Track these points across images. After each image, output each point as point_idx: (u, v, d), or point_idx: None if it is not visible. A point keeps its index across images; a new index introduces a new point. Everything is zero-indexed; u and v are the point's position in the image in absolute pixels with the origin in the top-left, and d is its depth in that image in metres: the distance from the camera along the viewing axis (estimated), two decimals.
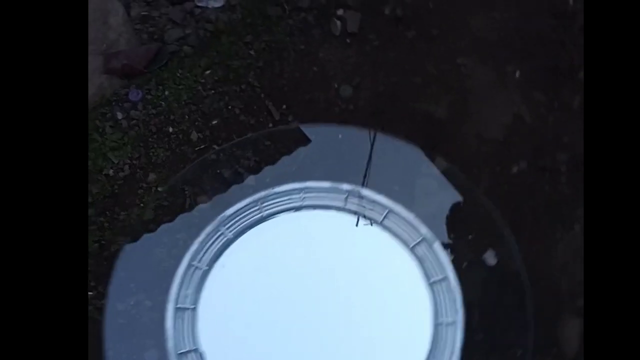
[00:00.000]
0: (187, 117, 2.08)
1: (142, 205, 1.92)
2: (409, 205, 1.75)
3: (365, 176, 1.77)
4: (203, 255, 1.68)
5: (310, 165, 1.90)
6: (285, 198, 1.74)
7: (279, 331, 1.63)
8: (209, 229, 1.70)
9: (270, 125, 2.02)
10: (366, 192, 1.73)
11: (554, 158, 1.97)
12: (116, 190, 2.00)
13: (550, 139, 1.99)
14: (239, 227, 1.72)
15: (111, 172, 2.03)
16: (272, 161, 1.94)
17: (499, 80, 2.03)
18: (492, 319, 1.78)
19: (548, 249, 1.86)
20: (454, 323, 1.61)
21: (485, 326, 1.76)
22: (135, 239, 1.86)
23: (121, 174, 2.03)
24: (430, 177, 1.83)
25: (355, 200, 1.73)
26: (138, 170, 2.03)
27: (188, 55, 2.19)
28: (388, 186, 1.76)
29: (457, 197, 1.81)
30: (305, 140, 1.94)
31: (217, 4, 2.30)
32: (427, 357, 1.60)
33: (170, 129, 2.07)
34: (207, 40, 2.21)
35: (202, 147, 2.02)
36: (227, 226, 1.71)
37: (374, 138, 1.81)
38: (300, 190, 1.75)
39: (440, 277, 1.66)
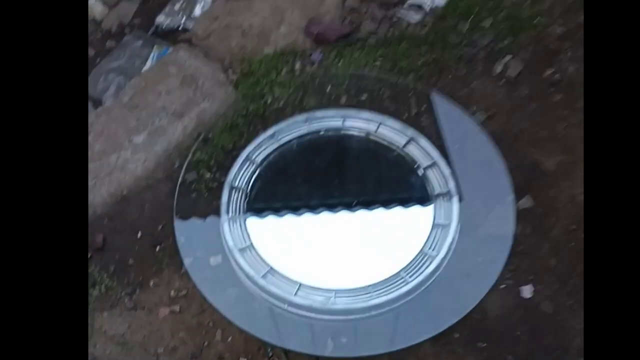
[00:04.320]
0: (345, 84, 2.46)
1: None
2: (479, 218, 1.97)
3: None
4: (258, 154, 2.15)
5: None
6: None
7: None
8: (264, 135, 2.18)
9: (405, 115, 2.33)
10: (424, 142, 2.07)
11: None
12: (265, 115, 2.42)
13: None
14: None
15: (269, 100, 2.46)
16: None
17: None
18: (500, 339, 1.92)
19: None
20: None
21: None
22: None
23: (275, 105, 2.45)
24: (508, 207, 2.00)
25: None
26: (289, 107, 2.43)
27: (370, 45, 2.60)
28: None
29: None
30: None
31: (414, 20, 2.69)
32: None
33: (328, 88, 2.46)
34: (390, 40, 2.60)
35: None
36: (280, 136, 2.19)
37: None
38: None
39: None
